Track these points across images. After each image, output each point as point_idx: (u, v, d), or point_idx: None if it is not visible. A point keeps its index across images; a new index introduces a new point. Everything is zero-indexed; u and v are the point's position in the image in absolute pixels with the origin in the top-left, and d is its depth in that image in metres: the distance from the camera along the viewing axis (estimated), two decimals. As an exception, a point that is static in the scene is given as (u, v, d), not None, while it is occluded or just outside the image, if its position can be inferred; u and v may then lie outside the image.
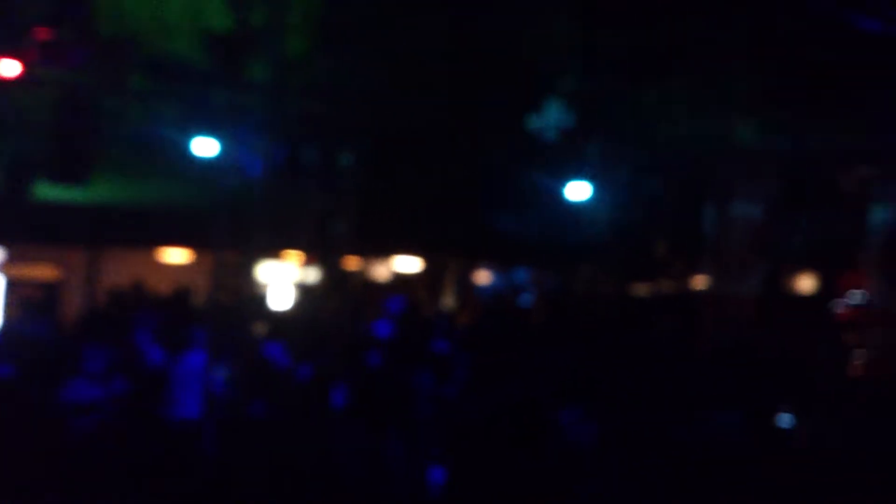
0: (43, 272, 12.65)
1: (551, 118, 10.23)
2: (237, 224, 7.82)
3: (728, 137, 11.27)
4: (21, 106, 11.24)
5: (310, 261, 10.70)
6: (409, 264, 13.93)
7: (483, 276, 14.66)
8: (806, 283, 12.71)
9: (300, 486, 6.74)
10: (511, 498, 6.60)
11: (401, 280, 13.90)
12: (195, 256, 12.33)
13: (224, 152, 9.27)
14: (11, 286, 12.23)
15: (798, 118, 10.65)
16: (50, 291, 12.41)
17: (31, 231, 10.34)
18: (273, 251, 10.24)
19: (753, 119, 10.77)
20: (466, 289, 13.79)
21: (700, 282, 12.61)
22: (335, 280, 9.26)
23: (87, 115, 8.24)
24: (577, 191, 11.21)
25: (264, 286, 11.11)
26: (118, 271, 11.76)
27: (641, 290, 13.55)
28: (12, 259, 12.10)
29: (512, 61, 9.72)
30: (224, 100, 9.63)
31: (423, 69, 8.87)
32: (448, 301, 13.51)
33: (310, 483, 6.83)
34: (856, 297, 11.86)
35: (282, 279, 12.25)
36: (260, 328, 9.06)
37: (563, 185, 11.35)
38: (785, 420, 9.46)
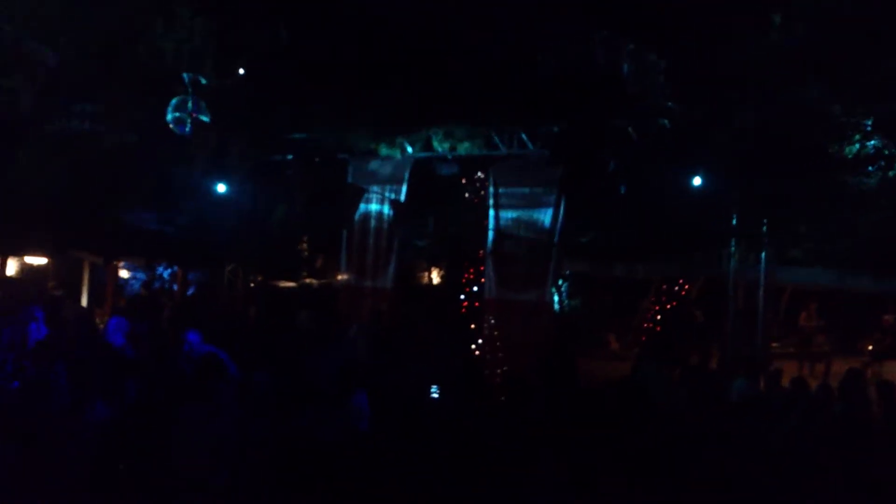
0: None
1: (185, 111, 10.26)
2: None
3: (355, 143, 12.11)
4: None
5: None
6: (38, 259, 13.15)
7: (125, 273, 14.33)
8: (435, 276, 14.08)
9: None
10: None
11: (32, 276, 13.06)
12: None
13: None
14: None
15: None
16: None
17: None
18: None
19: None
20: (105, 286, 13.33)
21: (339, 276, 13.36)
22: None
23: None
24: (218, 187, 11.38)
25: None
26: None
27: (286, 284, 14.05)
28: None
29: (140, 53, 9.60)
30: None
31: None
32: (84, 298, 12.98)
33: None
34: (475, 288, 13.39)
35: None
36: None
37: (205, 182, 11.47)
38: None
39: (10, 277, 13.19)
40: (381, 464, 7.77)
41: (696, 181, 11.90)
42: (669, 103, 12.26)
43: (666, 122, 12.21)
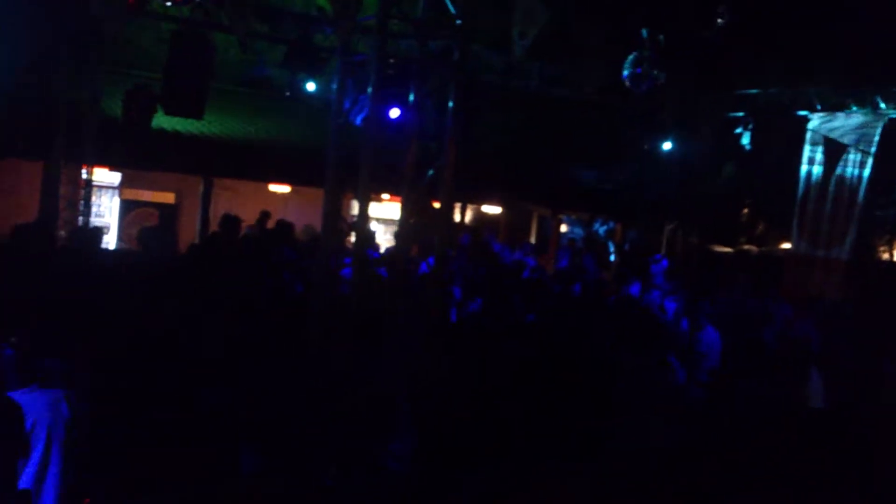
0: (162, 196, 13.55)
1: (643, 67, 10.23)
2: (343, 164, 8.03)
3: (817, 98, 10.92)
4: (141, 40, 12.02)
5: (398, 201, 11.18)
6: (493, 209, 14.35)
7: (564, 227, 14.98)
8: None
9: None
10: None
11: (485, 223, 14.32)
12: (294, 188, 13.03)
13: (329, 95, 9.67)
14: (131, 207, 13.28)
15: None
16: (168, 214, 13.31)
17: (150, 158, 11.03)
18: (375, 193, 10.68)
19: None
20: (549, 237, 14.08)
21: (784, 244, 12.45)
22: (423, 221, 9.60)
23: (200, 52, 8.52)
24: (662, 145, 11.24)
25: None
26: (228, 198, 12.52)
27: (722, 249, 13.48)
28: (131, 183, 13.04)
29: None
30: (327, 42, 10.07)
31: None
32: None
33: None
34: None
35: (379, 216, 13.00)
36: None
37: (651, 139, 11.41)
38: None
39: (468, 224, 14.65)
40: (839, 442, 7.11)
41: None
42: None
43: None
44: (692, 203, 12.39)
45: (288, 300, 8.30)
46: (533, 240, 14.09)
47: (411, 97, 8.47)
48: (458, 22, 8.07)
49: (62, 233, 9.70)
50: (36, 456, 4.02)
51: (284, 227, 11.17)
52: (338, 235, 8.34)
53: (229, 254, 9.67)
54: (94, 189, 10.92)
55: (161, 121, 9.83)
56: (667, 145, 11.42)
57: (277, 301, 8.13)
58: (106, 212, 13.34)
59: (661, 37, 10.46)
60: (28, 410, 4.01)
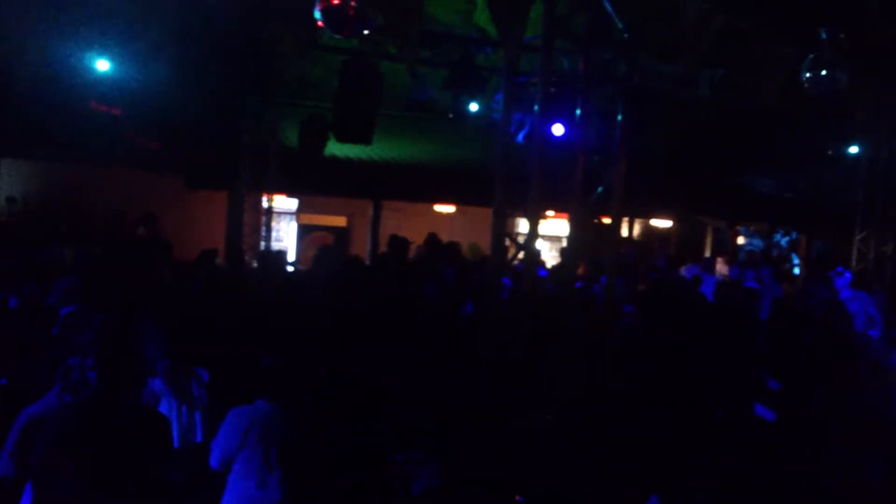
0: (334, 220, 14.16)
1: (824, 69, 9.52)
2: (509, 184, 8.00)
3: None
4: (311, 72, 12.63)
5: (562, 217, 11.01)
6: (663, 222, 13.80)
7: (741, 239, 14.17)
8: None
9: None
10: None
11: (654, 237, 13.82)
12: (459, 208, 13.17)
13: (490, 114, 9.73)
14: (307, 231, 13.95)
15: None
16: (341, 236, 13.88)
17: (324, 184, 11.53)
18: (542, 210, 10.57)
19: None
20: (726, 250, 13.39)
21: None
22: (589, 237, 9.40)
23: (368, 81, 8.81)
24: (848, 149, 10.43)
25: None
26: (397, 220, 12.85)
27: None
28: (306, 208, 13.71)
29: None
30: (488, 63, 10.13)
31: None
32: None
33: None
34: None
35: (543, 233, 12.88)
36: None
37: (834, 145, 10.62)
38: None
39: (636, 238, 14.22)
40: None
41: None
42: None
43: None
44: (884, 210, 11.39)
45: (453, 318, 8.39)
46: (708, 254, 13.47)
47: (577, 112, 8.33)
48: (625, 36, 7.87)
49: (246, 257, 10.35)
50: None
51: (451, 246, 11.34)
52: (505, 253, 8.33)
53: (398, 273, 9.93)
54: (274, 215, 11.59)
55: (331, 148, 10.24)
56: (853, 149, 10.61)
57: (444, 319, 8.24)
58: (284, 236, 14.11)
59: (843, 36, 9.73)
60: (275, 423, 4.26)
